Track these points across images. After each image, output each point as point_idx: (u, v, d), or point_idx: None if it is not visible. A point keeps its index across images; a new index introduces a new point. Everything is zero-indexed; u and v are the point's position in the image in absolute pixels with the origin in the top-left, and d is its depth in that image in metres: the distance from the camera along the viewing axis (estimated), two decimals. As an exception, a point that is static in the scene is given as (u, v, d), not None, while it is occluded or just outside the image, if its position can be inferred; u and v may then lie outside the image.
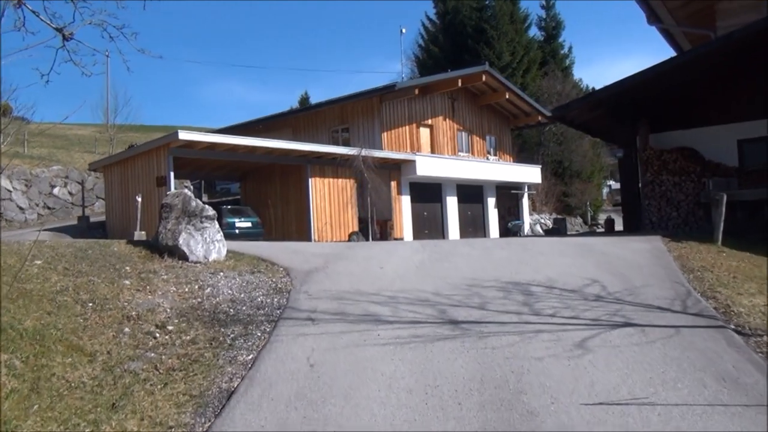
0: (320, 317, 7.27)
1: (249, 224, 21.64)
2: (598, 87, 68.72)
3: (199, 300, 8.03)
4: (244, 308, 7.76)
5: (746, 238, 13.87)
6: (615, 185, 62.93)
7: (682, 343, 5.81)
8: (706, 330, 6.20)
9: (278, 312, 7.60)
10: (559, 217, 33.89)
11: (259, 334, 6.77)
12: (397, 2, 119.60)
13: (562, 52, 50.83)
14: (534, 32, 50.31)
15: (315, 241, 22.91)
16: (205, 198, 31.11)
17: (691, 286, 8.09)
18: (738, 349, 5.65)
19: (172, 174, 19.44)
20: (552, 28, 51.23)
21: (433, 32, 49.50)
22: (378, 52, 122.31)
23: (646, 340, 5.88)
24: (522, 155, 40.44)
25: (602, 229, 32.50)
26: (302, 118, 30.51)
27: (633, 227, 17.43)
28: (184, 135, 18.88)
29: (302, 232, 23.54)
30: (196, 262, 10.02)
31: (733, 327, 6.35)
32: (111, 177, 22.71)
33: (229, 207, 22.44)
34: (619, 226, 24.13)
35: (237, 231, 21.26)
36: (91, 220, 24.19)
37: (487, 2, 48.07)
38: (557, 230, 20.02)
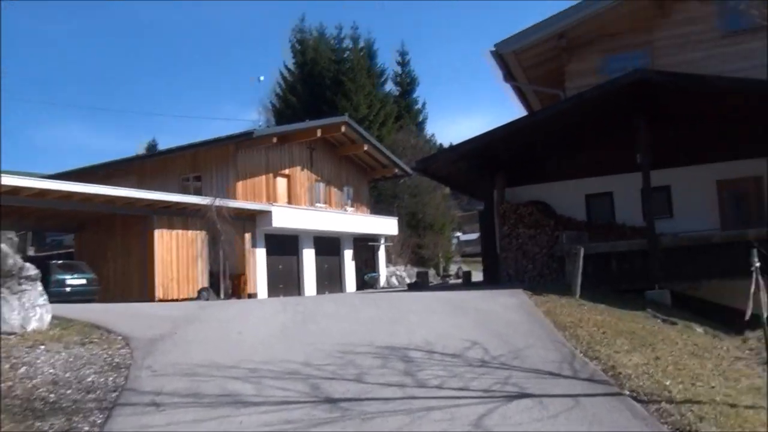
0: (167, 401, 5.99)
1: (83, 281, 19.25)
2: (449, 142, 72.17)
3: (10, 384, 6.41)
4: (69, 392, 6.27)
5: (598, 290, 14.26)
6: (463, 237, 65.50)
7: (586, 416, 5.30)
8: (606, 399, 5.78)
9: (113, 396, 6.20)
10: (421, 270, 34.06)
11: (86, 429, 5.38)
12: (255, 50, 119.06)
13: (416, 107, 52.60)
14: (390, 87, 51.73)
15: (160, 299, 20.90)
16: (31, 251, 27.66)
17: (572, 345, 7.78)
18: (644, 420, 5.24)
19: (-13, 224, 16.86)
20: (407, 83, 52.98)
21: (291, 82, 49.07)
22: (232, 100, 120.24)
23: (548, 414, 5.30)
24: (378, 207, 40.58)
25: (459, 281, 33.07)
26: (149, 165, 28.39)
27: (492, 279, 17.53)
28: (7, 180, 16.48)
29: (145, 289, 21.39)
30: (9, 334, 8.24)
31: (629, 393, 5.99)
32: None
33: (58, 262, 19.86)
34: (476, 277, 24.50)
35: (68, 289, 18.82)
36: None
37: (345, 55, 48.75)
38: (419, 284, 19.76)
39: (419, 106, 53.46)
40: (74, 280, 19.06)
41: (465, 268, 50.97)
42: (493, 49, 19.80)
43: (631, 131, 17.79)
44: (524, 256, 17.64)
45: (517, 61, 19.81)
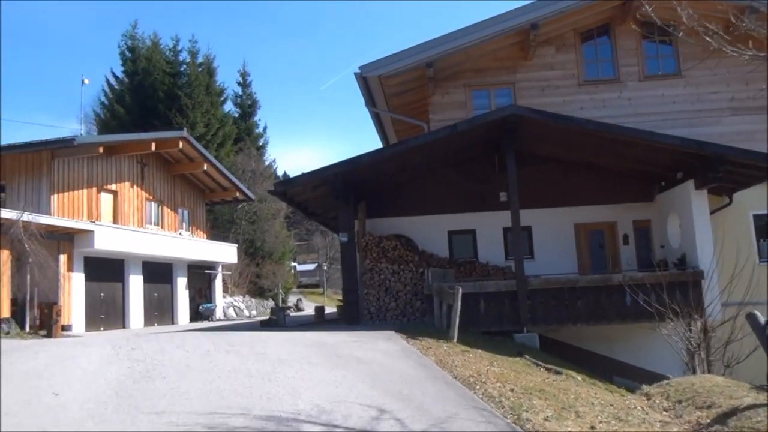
0: None
1: None
2: (284, 171, 70.48)
3: None
4: None
5: (467, 332, 13.40)
6: (300, 267, 63.73)
7: None
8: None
9: None
10: (285, 305, 31.89)
11: None
12: (76, 53, 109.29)
13: (257, 130, 50.36)
14: (230, 107, 49.02)
15: (-58, 332, 16.82)
16: None
17: (498, 412, 6.48)
18: None
19: None
20: (248, 105, 50.64)
21: (119, 91, 44.64)
22: (47, 109, 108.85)
23: None
24: (213, 232, 37.70)
25: (301, 314, 31.24)
26: (-63, 168, 23.48)
27: (351, 317, 16.10)
28: None
29: None
30: None
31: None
32: None
33: None
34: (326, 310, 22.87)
35: None
36: None
37: (182, 69, 45.44)
38: (275, 321, 17.52)
39: (260, 129, 51.36)
40: None
41: (303, 299, 49.32)
42: (358, 71, 18.71)
43: (496, 169, 17.54)
44: (387, 293, 16.43)
45: (381, 86, 18.87)
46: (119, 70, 45.53)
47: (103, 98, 45.47)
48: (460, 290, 12.57)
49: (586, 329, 15.60)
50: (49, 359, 8.73)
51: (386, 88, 18.75)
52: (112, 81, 45.33)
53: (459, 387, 7.60)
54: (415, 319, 16.03)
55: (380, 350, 9.92)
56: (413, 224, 18.10)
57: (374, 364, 8.73)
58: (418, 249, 17.81)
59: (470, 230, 18.26)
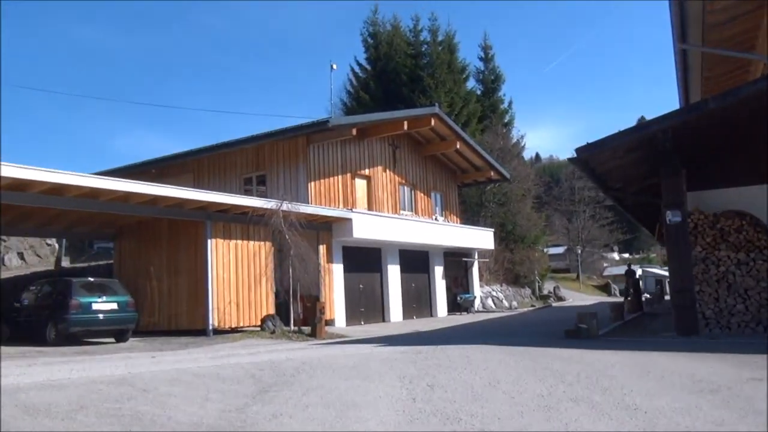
0: None
1: (113, 306, 14.70)
2: (542, 147, 66.31)
3: None
4: None
5: None
6: (552, 251, 59.21)
7: None
8: None
9: None
10: (545, 294, 28.61)
11: None
12: (325, 45, 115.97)
13: (502, 106, 47.00)
14: (472, 84, 46.40)
15: (215, 328, 16.21)
16: (65, 262, 23.55)
17: None
18: None
19: (-15, 230, 12.47)
20: (491, 81, 47.51)
21: (363, 78, 44.57)
22: (299, 101, 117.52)
23: None
24: (463, 217, 35.30)
25: (559, 303, 27.25)
26: (206, 162, 23.95)
27: (684, 325, 11.93)
28: (8, 170, 12.03)
29: (196, 316, 16.78)
30: None
31: None
32: None
33: (82, 280, 15.37)
34: (578, 300, 18.71)
35: (101, 316, 14.36)
36: None
37: (423, 49, 43.88)
38: (585, 333, 12.86)
39: (505, 105, 47.89)
40: (103, 304, 14.54)
41: (560, 287, 45.13)
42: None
43: None
44: (729, 291, 11.98)
45: (703, 14, 14.16)
46: (362, 58, 45.54)
47: (348, 87, 45.81)
48: None
49: None
50: (320, 404, 6.19)
51: (709, 15, 14.05)
52: (357, 69, 45.46)
53: None
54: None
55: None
56: (756, 198, 13.20)
57: None
58: None
59: None
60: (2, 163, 11.82)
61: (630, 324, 16.02)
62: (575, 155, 11.32)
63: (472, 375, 7.17)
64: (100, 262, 22.79)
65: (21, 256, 23.90)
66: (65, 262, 23.35)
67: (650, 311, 21.91)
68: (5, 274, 21.32)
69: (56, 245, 24.32)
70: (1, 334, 15.09)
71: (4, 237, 23.09)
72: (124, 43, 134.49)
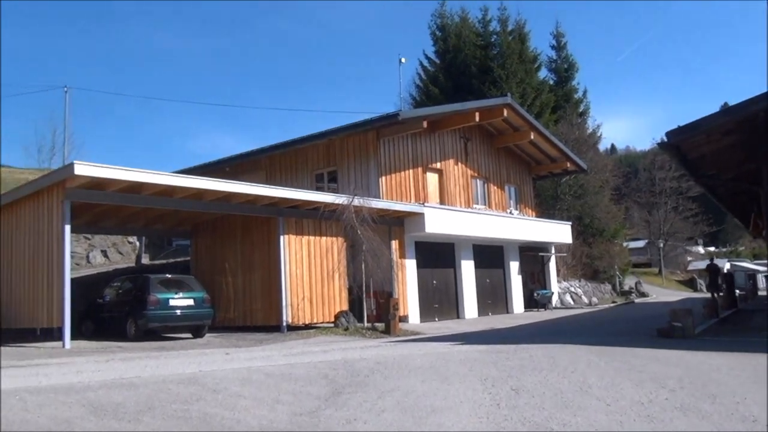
0: None
1: (189, 302, 14.84)
2: (618, 138, 64.23)
3: None
4: None
5: None
6: (632, 244, 56.92)
7: None
8: None
9: None
10: (625, 290, 27.34)
11: None
12: (393, 40, 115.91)
13: (576, 96, 45.41)
14: (545, 74, 45.08)
15: (289, 324, 16.17)
16: (145, 259, 24.19)
17: None
18: None
19: (67, 229, 12.74)
20: (564, 69, 46.03)
21: (432, 72, 44.12)
22: (371, 98, 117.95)
23: None
24: (538, 210, 34.27)
25: (643, 299, 25.89)
26: (278, 159, 24.07)
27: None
28: (84, 169, 12.28)
29: (271, 312, 16.80)
30: None
31: None
32: (-8, 231, 15.92)
33: (159, 277, 15.60)
34: (666, 296, 17.47)
35: (178, 312, 14.52)
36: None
37: (492, 39, 42.93)
38: (680, 331, 11.55)
39: (579, 94, 46.25)
40: (180, 300, 14.70)
41: (642, 282, 43.21)
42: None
43: None
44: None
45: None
46: (431, 51, 45.05)
47: (417, 81, 45.40)
48: None
49: None
50: (397, 408, 5.80)
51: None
52: (425, 62, 45.00)
53: None
54: None
55: None
56: None
57: None
58: None
59: None
60: (79, 162, 12.06)
61: (727, 321, 14.90)
62: (665, 140, 10.47)
63: (560, 378, 6.63)
64: (178, 259, 23.28)
65: (104, 253, 24.75)
66: (145, 259, 24.00)
67: (745, 308, 20.48)
68: (90, 271, 22.07)
69: (137, 243, 25.01)
70: (86, 330, 15.56)
71: (88, 235, 23.92)
72: (199, 47, 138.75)
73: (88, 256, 24.16)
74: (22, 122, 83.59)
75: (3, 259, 15.39)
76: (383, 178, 21.13)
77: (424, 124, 21.39)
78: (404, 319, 18.97)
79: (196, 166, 25.30)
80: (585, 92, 46.28)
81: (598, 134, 45.98)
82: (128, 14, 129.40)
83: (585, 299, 31.00)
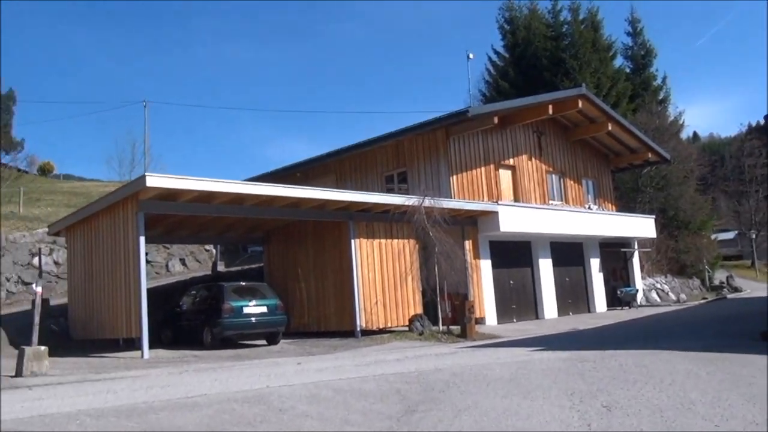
0: None
1: (263, 309, 14.81)
2: (700, 125, 61.12)
3: None
4: None
5: None
6: (721, 236, 53.83)
7: None
8: None
9: None
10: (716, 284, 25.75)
11: None
12: (459, 37, 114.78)
13: (655, 83, 43.25)
14: (620, 62, 43.17)
15: (362, 328, 15.93)
16: (221, 266, 24.56)
17: None
18: None
19: (142, 240, 12.93)
20: (641, 56, 43.90)
21: (501, 66, 43.10)
22: (440, 96, 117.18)
23: None
24: (618, 203, 32.76)
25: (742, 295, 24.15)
26: (348, 162, 23.95)
27: None
28: (155, 181, 12.41)
29: (344, 317, 16.61)
30: None
31: None
32: (74, 243, 16.44)
33: (233, 285, 15.66)
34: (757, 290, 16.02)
35: (253, 320, 14.52)
36: (56, 303, 17.89)
37: (564, 30, 41.52)
38: None
39: (659, 81, 43.99)
40: (254, 308, 14.70)
41: (734, 276, 40.64)
42: None
43: None
44: None
45: None
46: (500, 45, 44.05)
47: (486, 77, 44.51)
48: None
49: None
50: (475, 429, 5.35)
51: None
52: (494, 57, 44.03)
53: None
54: None
55: None
56: None
57: None
58: None
59: None
60: (151, 174, 12.21)
61: None
62: (764, 122, 9.53)
63: (657, 392, 6.00)
64: (253, 266, 23.51)
65: (183, 261, 25.31)
66: (221, 267, 24.38)
67: None
68: (169, 280, 22.59)
69: (213, 250, 25.45)
70: (165, 338, 15.83)
71: (167, 245, 24.52)
72: (267, 57, 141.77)
73: (167, 265, 24.78)
74: (104, 137, 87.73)
75: (85, 271, 15.86)
76: (454, 177, 20.60)
77: (495, 119, 20.72)
78: (481, 321, 18.42)
79: (268, 173, 25.56)
80: (665, 79, 43.97)
81: (681, 122, 43.61)
82: (201, 29, 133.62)
83: (672, 296, 29.34)
